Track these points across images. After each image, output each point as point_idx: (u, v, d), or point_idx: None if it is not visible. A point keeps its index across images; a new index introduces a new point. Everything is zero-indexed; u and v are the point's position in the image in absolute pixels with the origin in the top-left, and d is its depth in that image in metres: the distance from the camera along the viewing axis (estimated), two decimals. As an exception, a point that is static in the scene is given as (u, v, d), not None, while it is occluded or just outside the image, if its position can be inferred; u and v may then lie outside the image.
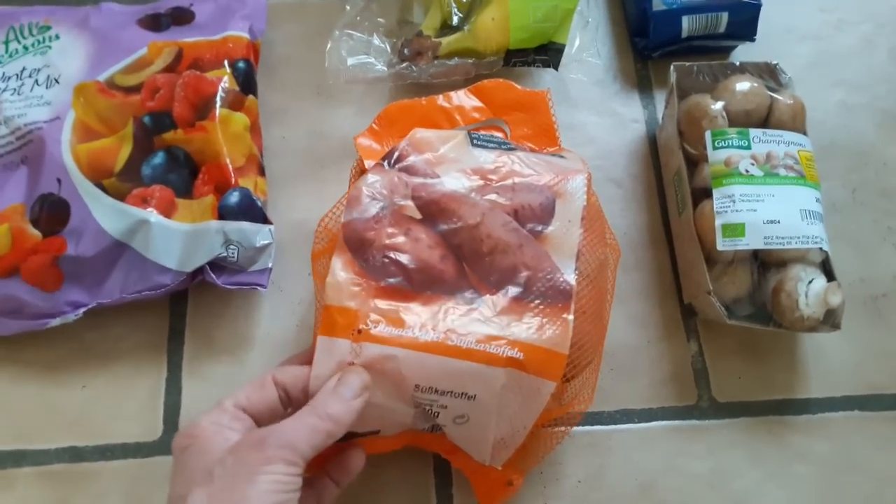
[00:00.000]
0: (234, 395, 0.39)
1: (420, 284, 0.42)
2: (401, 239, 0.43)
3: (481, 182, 0.45)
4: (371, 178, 0.44)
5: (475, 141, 0.47)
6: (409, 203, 0.44)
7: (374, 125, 0.50)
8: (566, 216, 0.44)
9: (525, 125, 0.52)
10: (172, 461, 0.37)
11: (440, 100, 0.51)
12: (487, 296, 0.42)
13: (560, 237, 0.44)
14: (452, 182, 0.45)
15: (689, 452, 0.50)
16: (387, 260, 0.42)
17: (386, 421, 0.42)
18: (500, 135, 0.51)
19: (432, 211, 0.44)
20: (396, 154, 0.45)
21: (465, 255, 0.43)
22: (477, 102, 0.52)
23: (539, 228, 0.44)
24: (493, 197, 0.45)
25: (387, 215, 0.43)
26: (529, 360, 0.40)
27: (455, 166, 0.46)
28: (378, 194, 0.44)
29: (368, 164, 0.47)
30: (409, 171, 0.45)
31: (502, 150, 0.47)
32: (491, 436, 0.41)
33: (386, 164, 0.45)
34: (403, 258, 0.42)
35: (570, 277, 0.43)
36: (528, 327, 0.41)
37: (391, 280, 0.42)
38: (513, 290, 0.42)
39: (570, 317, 0.41)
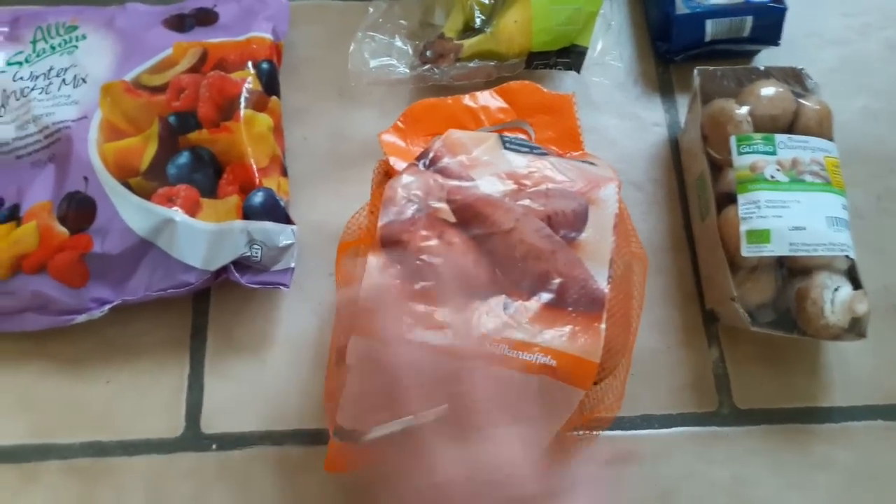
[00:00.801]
0: None
1: (453, 289, 0.42)
2: (434, 242, 0.43)
3: (515, 187, 0.45)
4: (406, 178, 0.44)
5: (508, 144, 0.47)
6: (444, 206, 0.44)
7: (398, 122, 0.50)
8: (599, 224, 0.44)
9: (549, 128, 0.52)
10: None
11: (466, 99, 0.51)
12: (520, 301, 0.42)
13: (593, 245, 0.43)
14: (487, 186, 0.45)
15: (709, 459, 0.49)
16: (420, 263, 0.42)
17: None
18: (524, 136, 0.51)
19: (467, 215, 0.44)
20: (431, 155, 0.45)
21: (498, 261, 0.43)
22: (502, 103, 0.52)
23: (572, 235, 0.44)
24: (526, 202, 0.44)
25: (421, 218, 0.43)
26: (562, 368, 0.40)
27: (489, 170, 0.45)
28: (413, 196, 0.44)
29: (393, 160, 0.47)
30: (443, 172, 0.45)
31: (534, 154, 0.47)
32: None
33: (421, 164, 0.45)
34: (437, 261, 0.42)
35: (603, 285, 0.42)
36: (561, 335, 0.41)
37: (425, 283, 0.42)
38: (545, 297, 0.42)
39: (603, 325, 0.41)
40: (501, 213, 0.44)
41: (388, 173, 0.48)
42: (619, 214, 0.45)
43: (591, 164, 0.47)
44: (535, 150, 0.47)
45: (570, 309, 0.42)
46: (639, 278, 0.47)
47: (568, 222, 0.44)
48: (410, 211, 0.43)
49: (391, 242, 0.43)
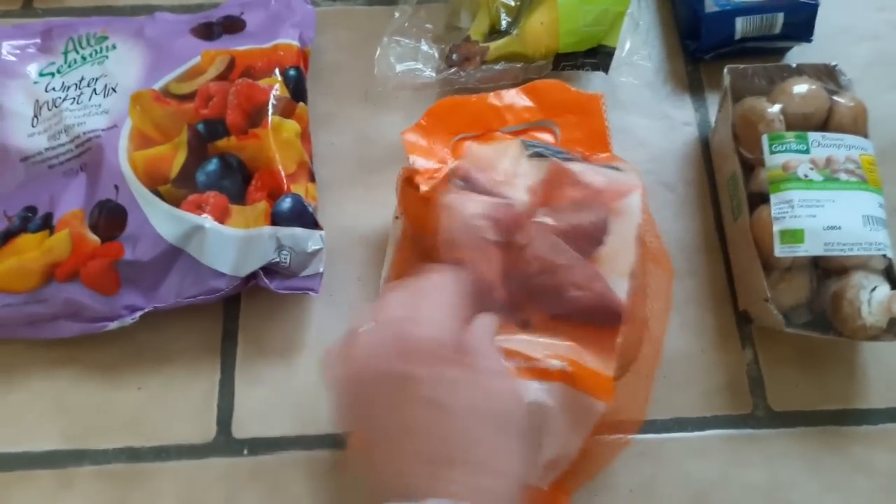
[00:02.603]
0: None
1: (480, 305, 0.42)
2: (479, 262, 0.43)
3: (535, 199, 0.45)
4: (449, 199, 0.44)
5: (530, 151, 0.46)
6: (484, 223, 0.44)
7: (422, 121, 0.50)
8: (621, 234, 0.44)
9: (576, 129, 0.51)
10: None
11: (491, 98, 0.51)
12: (537, 316, 0.42)
13: (613, 256, 0.43)
14: (515, 200, 0.44)
15: (744, 462, 0.49)
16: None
17: None
18: (550, 136, 0.50)
19: (500, 231, 0.44)
20: (461, 173, 0.45)
21: (516, 277, 0.43)
22: (528, 102, 0.52)
23: (592, 247, 0.43)
24: (544, 216, 0.44)
25: (465, 241, 0.43)
26: (579, 377, 0.40)
27: (516, 183, 0.45)
28: (460, 218, 0.43)
29: (413, 159, 0.47)
30: (478, 190, 0.45)
31: (557, 159, 0.46)
32: (542, 455, 0.41)
33: (459, 183, 0.45)
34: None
35: (622, 298, 0.42)
36: (577, 349, 0.41)
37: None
38: (562, 311, 0.42)
39: (619, 339, 0.41)
40: (517, 229, 0.43)
41: (409, 180, 0.47)
42: (641, 224, 0.44)
43: (616, 168, 0.46)
44: (557, 154, 0.47)
45: (588, 322, 0.41)
46: (661, 283, 0.46)
47: (587, 234, 0.43)
48: (456, 235, 0.43)
49: (452, 260, 0.42)
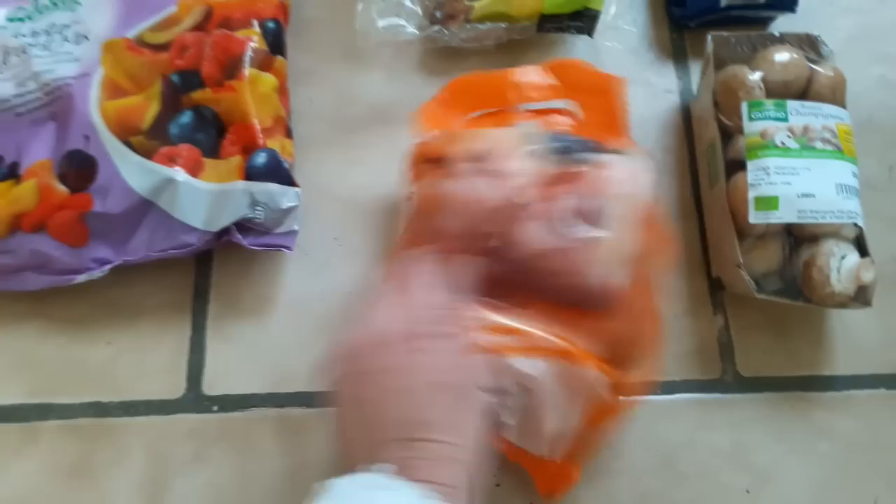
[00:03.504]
0: None
1: (469, 290, 0.41)
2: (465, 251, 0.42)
3: (533, 192, 0.44)
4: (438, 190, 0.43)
5: (537, 143, 0.45)
6: (478, 211, 0.43)
7: (441, 94, 0.50)
8: (622, 218, 0.43)
9: (595, 111, 0.51)
10: None
11: (511, 74, 0.50)
12: (531, 301, 0.42)
13: (613, 240, 0.42)
14: (510, 192, 0.44)
15: (711, 426, 0.49)
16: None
17: None
18: (568, 118, 0.49)
19: (487, 225, 0.43)
20: (459, 165, 0.44)
21: (510, 262, 0.43)
22: (551, 80, 0.51)
23: (589, 232, 0.42)
24: (539, 203, 0.43)
25: (452, 230, 0.42)
26: (574, 354, 0.40)
27: (519, 178, 0.44)
28: (446, 209, 0.43)
29: (431, 134, 0.46)
30: (478, 183, 0.43)
31: (560, 155, 0.45)
32: (546, 427, 0.41)
33: (452, 175, 0.44)
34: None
35: (620, 282, 0.42)
36: (570, 333, 0.41)
37: None
38: (556, 295, 0.42)
39: (612, 324, 0.41)
40: (511, 218, 0.43)
41: (424, 155, 0.47)
42: (648, 206, 0.44)
43: (620, 153, 0.46)
44: (560, 149, 0.45)
45: (581, 306, 0.41)
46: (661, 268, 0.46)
47: (583, 219, 0.42)
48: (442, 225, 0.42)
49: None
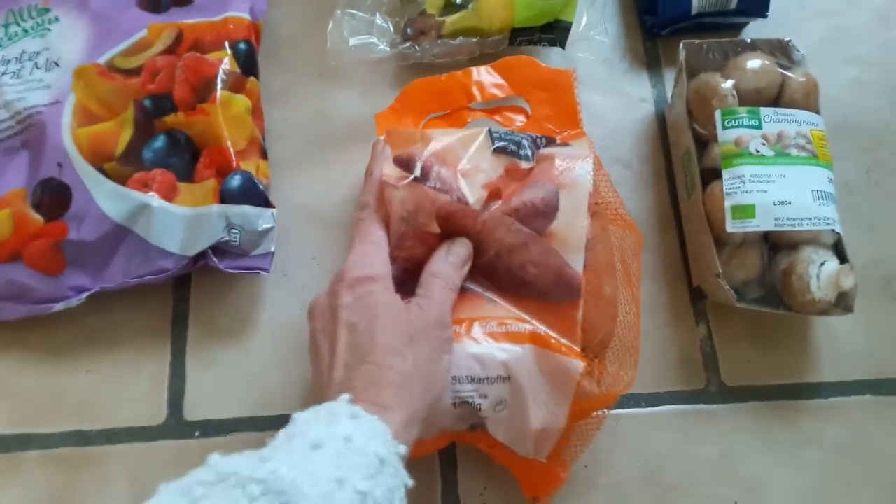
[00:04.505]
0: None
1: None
2: (419, 251, 0.43)
3: (491, 194, 0.45)
4: (401, 194, 0.44)
5: (496, 142, 0.46)
6: (433, 220, 0.43)
7: (395, 104, 0.50)
8: (572, 207, 0.44)
9: (546, 105, 0.51)
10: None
11: (461, 75, 0.51)
12: (500, 299, 0.42)
13: (565, 230, 0.43)
14: (468, 193, 0.44)
15: (697, 437, 0.49)
16: (405, 272, 0.43)
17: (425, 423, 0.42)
18: (521, 116, 0.50)
19: (446, 225, 0.44)
20: (420, 165, 0.44)
21: (476, 262, 0.43)
22: (498, 79, 0.51)
23: (544, 224, 0.43)
24: (498, 203, 0.44)
25: (409, 232, 0.43)
26: (549, 342, 0.40)
27: (478, 178, 0.45)
28: (406, 212, 0.43)
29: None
30: (438, 185, 0.44)
31: (509, 152, 0.46)
32: (531, 424, 0.41)
33: (412, 176, 0.44)
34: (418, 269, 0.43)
35: (578, 271, 0.42)
36: (542, 326, 0.41)
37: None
38: (523, 290, 0.42)
39: (579, 313, 0.41)
40: (469, 218, 0.43)
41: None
42: (593, 192, 0.44)
43: (567, 146, 0.47)
44: (521, 145, 0.46)
45: (548, 298, 0.42)
46: (633, 254, 0.46)
47: (538, 212, 0.44)
48: (402, 228, 0.43)
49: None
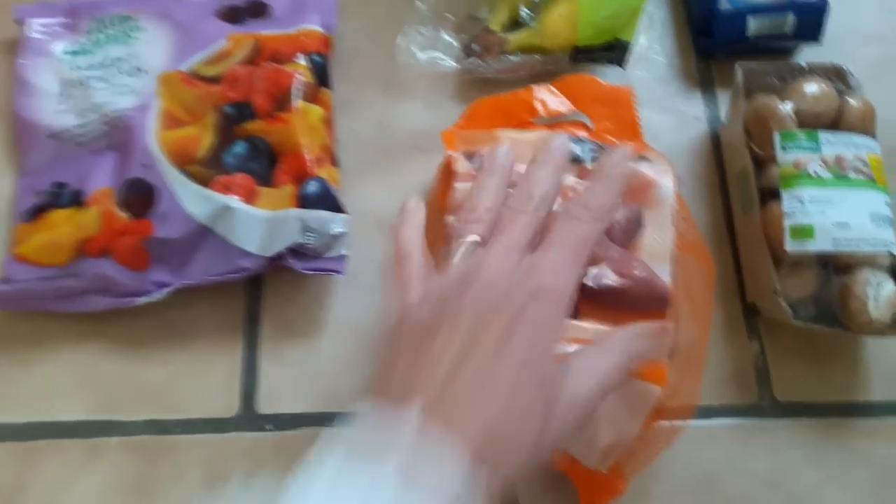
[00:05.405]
0: None
1: None
2: None
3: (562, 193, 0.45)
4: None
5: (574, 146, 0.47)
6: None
7: (460, 121, 0.52)
8: (657, 223, 0.44)
9: (608, 120, 0.52)
10: None
11: (523, 93, 0.53)
12: (584, 308, 0.43)
13: (652, 244, 0.44)
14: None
15: (748, 451, 0.50)
16: None
17: None
18: (583, 131, 0.51)
19: None
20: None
21: None
22: (560, 97, 0.53)
23: (629, 240, 0.44)
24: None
25: None
26: (641, 369, 0.40)
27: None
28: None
29: (457, 157, 0.48)
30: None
31: (591, 154, 0.47)
32: (600, 441, 0.41)
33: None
34: None
35: (666, 282, 0.42)
36: None
37: None
38: (611, 301, 0.42)
39: (670, 324, 0.41)
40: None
41: (448, 166, 0.49)
42: (676, 208, 0.45)
43: (646, 158, 0.47)
44: (590, 149, 0.47)
45: (636, 310, 0.42)
46: (696, 272, 0.47)
47: (623, 230, 0.44)
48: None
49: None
